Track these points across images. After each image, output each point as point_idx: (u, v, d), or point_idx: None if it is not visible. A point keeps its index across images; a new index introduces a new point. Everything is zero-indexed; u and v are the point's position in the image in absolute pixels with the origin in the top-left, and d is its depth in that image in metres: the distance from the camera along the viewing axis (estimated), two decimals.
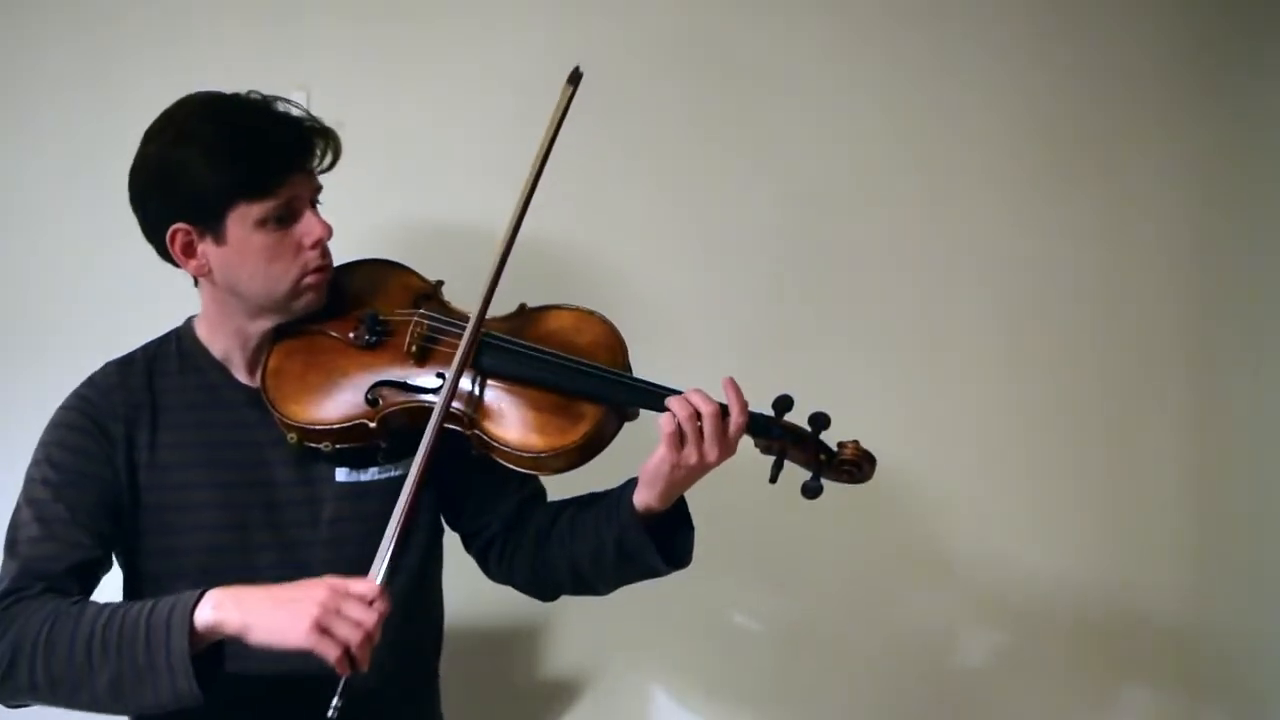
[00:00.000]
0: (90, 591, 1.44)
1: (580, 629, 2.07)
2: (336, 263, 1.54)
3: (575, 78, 1.55)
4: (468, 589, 1.70)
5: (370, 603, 1.30)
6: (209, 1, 1.97)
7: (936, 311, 2.22)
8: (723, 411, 1.43)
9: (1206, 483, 2.34)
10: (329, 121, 1.50)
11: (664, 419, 1.41)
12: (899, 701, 2.23)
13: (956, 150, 2.22)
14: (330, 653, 1.28)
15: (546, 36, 2.06)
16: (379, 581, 1.32)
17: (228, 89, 1.50)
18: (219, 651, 1.34)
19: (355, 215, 1.87)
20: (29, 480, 1.46)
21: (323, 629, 1.28)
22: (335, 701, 1.29)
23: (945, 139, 2.21)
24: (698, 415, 1.41)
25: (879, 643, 2.21)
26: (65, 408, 1.49)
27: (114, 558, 1.50)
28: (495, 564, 1.64)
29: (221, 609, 1.30)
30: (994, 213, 2.24)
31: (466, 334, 1.45)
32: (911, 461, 2.18)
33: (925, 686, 2.24)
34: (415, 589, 1.58)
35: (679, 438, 1.41)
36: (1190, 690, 2.34)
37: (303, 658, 1.29)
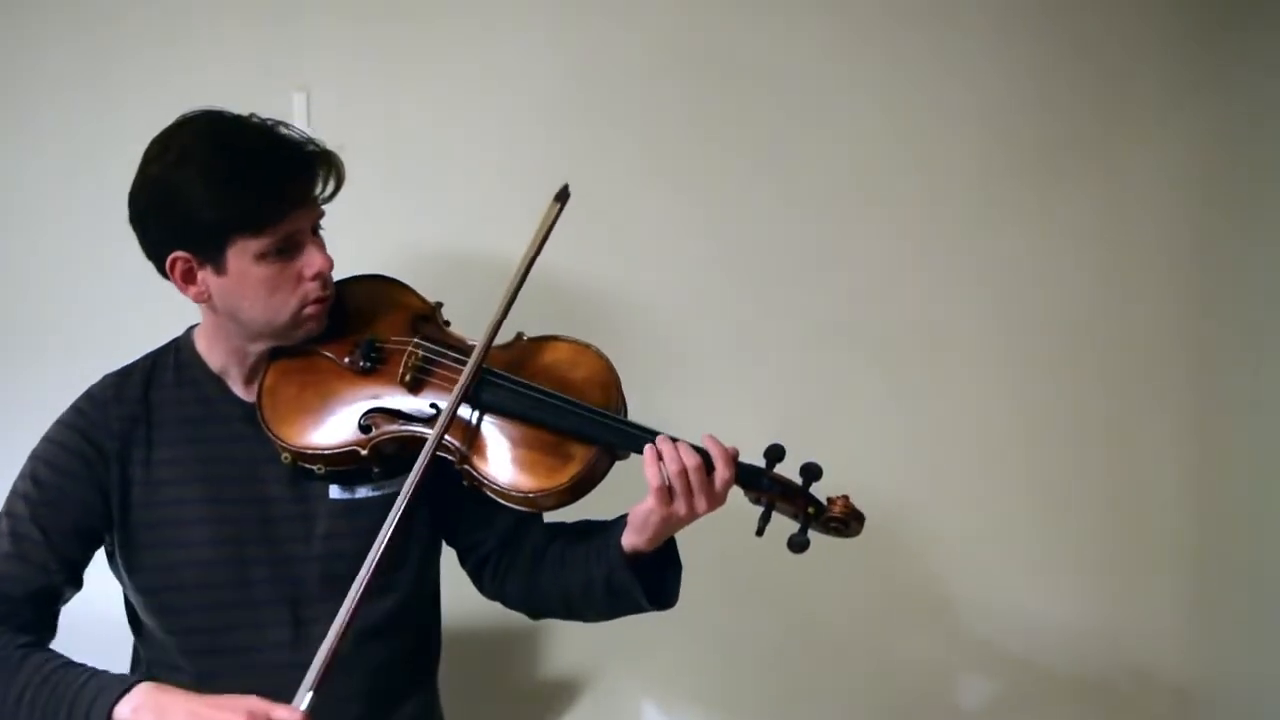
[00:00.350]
0: (47, 618, 1.47)
1: (578, 634, 2.06)
2: (338, 275, 1.54)
3: (563, 196, 1.54)
4: (467, 593, 1.70)
5: None
6: (209, 1, 1.97)
7: (935, 311, 2.22)
8: (707, 465, 1.43)
9: (1206, 486, 2.33)
10: (330, 143, 1.49)
11: (649, 473, 1.41)
12: (894, 703, 2.23)
13: (955, 151, 2.21)
14: None
15: (547, 36, 2.06)
16: (304, 708, 1.31)
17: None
18: None
19: (355, 217, 1.87)
20: (13, 491, 1.49)
21: None
22: None
23: (944, 140, 2.21)
24: (684, 471, 1.41)
25: (876, 645, 2.22)
26: (60, 423, 1.50)
27: (82, 581, 1.51)
28: (489, 581, 1.65)
29: (139, 713, 1.32)
30: (993, 213, 2.23)
31: (460, 381, 1.46)
32: (909, 462, 2.19)
33: (921, 694, 2.24)
34: (411, 600, 1.58)
35: (667, 492, 1.41)
36: (1188, 699, 2.34)
37: None
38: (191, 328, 1.57)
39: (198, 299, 1.47)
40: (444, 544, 1.67)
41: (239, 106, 1.47)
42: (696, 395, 2.07)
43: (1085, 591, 2.29)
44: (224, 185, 1.38)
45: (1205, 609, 2.33)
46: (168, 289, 1.57)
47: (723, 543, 1.74)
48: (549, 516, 1.56)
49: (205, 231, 1.40)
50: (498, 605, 1.68)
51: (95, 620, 1.54)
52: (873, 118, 2.18)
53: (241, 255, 1.41)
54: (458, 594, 1.69)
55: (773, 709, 2.19)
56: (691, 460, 1.42)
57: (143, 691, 1.34)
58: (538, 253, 1.52)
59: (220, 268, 1.43)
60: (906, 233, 2.21)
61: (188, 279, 1.45)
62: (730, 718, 2.18)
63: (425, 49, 2.03)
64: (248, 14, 1.97)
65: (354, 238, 1.71)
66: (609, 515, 1.54)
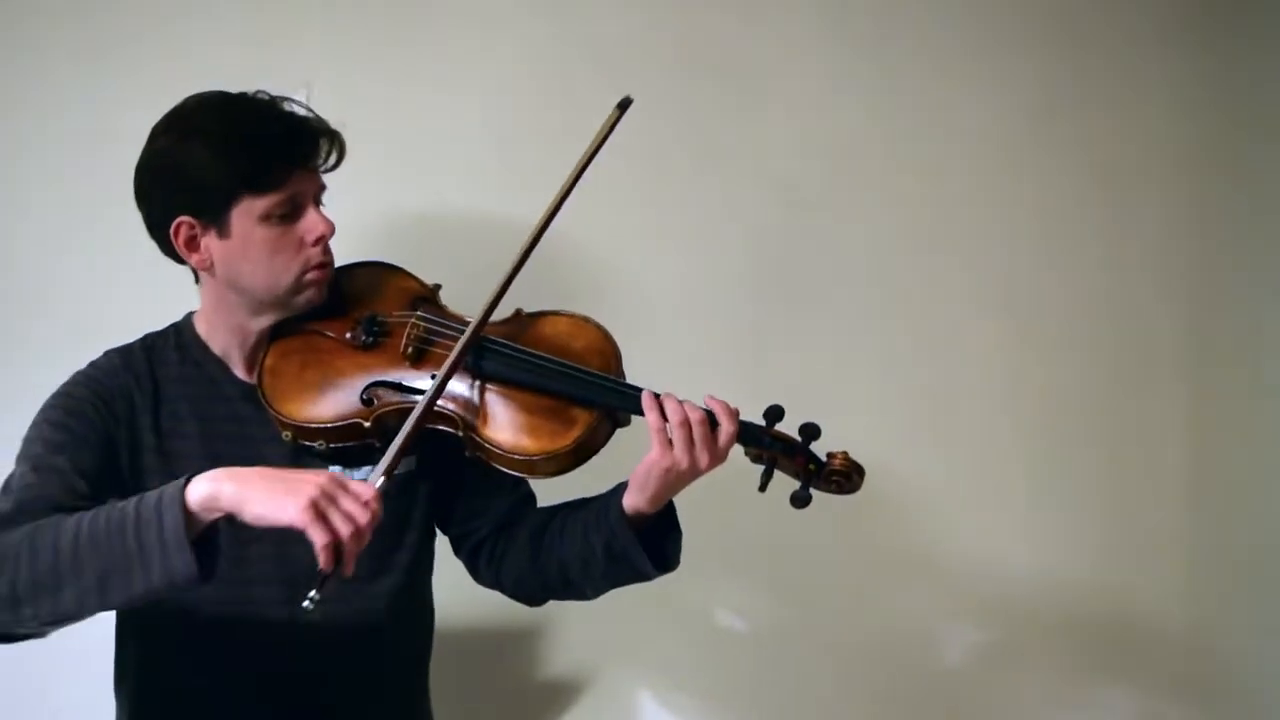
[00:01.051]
0: None
1: (574, 632, 2.07)
2: (336, 264, 1.55)
3: (625, 104, 1.57)
4: (461, 591, 1.70)
5: (365, 503, 1.28)
6: (210, 1, 1.98)
7: (934, 301, 2.24)
8: (710, 420, 1.44)
9: (1205, 481, 2.34)
10: (332, 122, 1.52)
11: (651, 418, 1.43)
12: (890, 706, 2.23)
13: (953, 145, 2.24)
14: (320, 538, 1.24)
15: (547, 31, 2.08)
16: (377, 487, 1.31)
17: (229, 88, 1.51)
18: (214, 542, 1.29)
19: (356, 212, 1.88)
20: (26, 441, 1.43)
21: (317, 511, 1.24)
22: (312, 594, 1.25)
23: (942, 135, 2.23)
24: (687, 421, 1.42)
25: (871, 647, 2.21)
26: (68, 383, 1.49)
27: None
28: (485, 567, 1.64)
29: (216, 481, 1.25)
30: (992, 207, 2.25)
31: (465, 335, 1.46)
32: (905, 460, 2.19)
33: (915, 689, 2.24)
34: (406, 586, 1.58)
35: (669, 441, 1.42)
36: (1184, 693, 2.34)
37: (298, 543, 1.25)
38: (190, 314, 1.57)
39: (200, 266, 1.48)
40: (440, 547, 1.66)
41: None
42: (695, 391, 2.07)
43: (1079, 592, 2.29)
44: (229, 147, 1.41)
45: (1200, 611, 2.34)
46: (162, 281, 1.59)
47: (716, 544, 1.76)
48: (550, 484, 1.56)
49: (210, 192, 1.42)
50: (494, 603, 1.68)
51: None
52: (872, 113, 2.21)
53: (245, 216, 1.43)
54: (453, 595, 1.69)
55: (763, 713, 2.19)
56: (695, 414, 1.43)
57: (211, 473, 1.26)
58: (593, 156, 1.53)
59: (224, 230, 1.44)
60: (900, 233, 2.22)
61: (191, 245, 1.46)
62: (727, 713, 2.18)
63: (426, 46, 2.06)
64: (248, 12, 1.99)
65: (355, 229, 1.73)
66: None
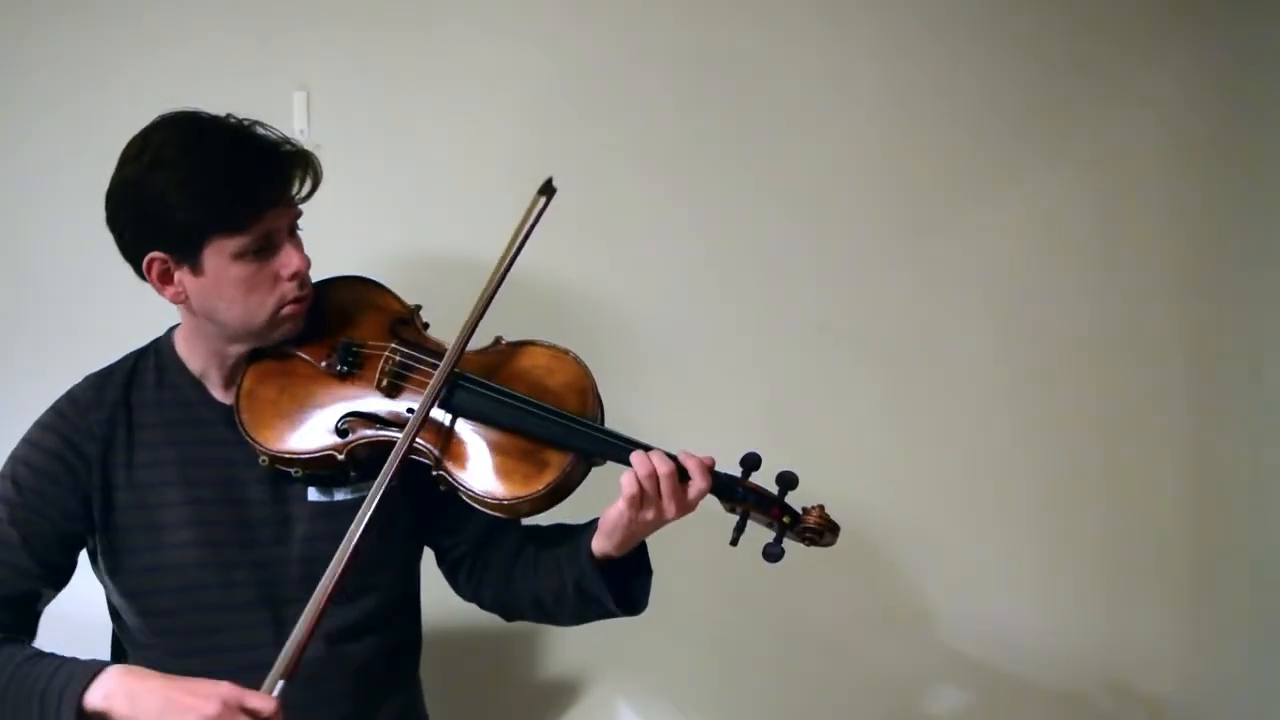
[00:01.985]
0: (25, 619, 1.47)
1: (568, 637, 2.06)
2: (328, 274, 1.55)
3: (548, 189, 1.52)
4: (455, 595, 1.70)
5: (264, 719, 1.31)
6: (209, 1, 1.98)
7: (927, 317, 2.20)
8: (681, 474, 1.43)
9: (1205, 493, 2.31)
10: (308, 143, 1.50)
11: (625, 478, 1.41)
12: (886, 711, 2.24)
13: (948, 153, 2.20)
14: None
15: (545, 38, 2.06)
16: (276, 694, 1.32)
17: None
18: None
19: (353, 216, 1.89)
20: None
21: None
22: None
23: (937, 142, 2.19)
24: (654, 474, 1.41)
25: (866, 653, 2.20)
26: (40, 425, 1.50)
27: (62, 583, 1.50)
28: (464, 583, 1.65)
29: (111, 700, 1.32)
30: (986, 215, 2.22)
31: (434, 379, 1.46)
32: (898, 467, 2.18)
33: (912, 703, 2.23)
34: (396, 597, 1.59)
35: (639, 498, 1.41)
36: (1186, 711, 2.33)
37: None
38: (172, 328, 1.57)
39: (175, 300, 1.46)
40: (426, 560, 1.67)
41: (238, 106, 1.48)
42: (681, 399, 2.07)
43: (1081, 601, 2.27)
44: (198, 186, 1.38)
45: (1203, 618, 2.31)
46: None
47: (712, 545, 1.75)
48: (526, 520, 1.56)
49: (181, 232, 1.40)
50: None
51: (82, 618, 1.56)
52: (864, 120, 2.17)
53: (218, 255, 1.41)
54: (449, 595, 1.69)
55: (762, 713, 2.19)
56: (664, 467, 1.42)
57: (113, 677, 1.34)
58: (519, 248, 1.50)
59: (197, 268, 1.42)
60: (897, 236, 2.19)
61: (164, 280, 1.44)
62: (722, 715, 2.18)
63: (424, 49, 2.04)
64: (247, 14, 1.98)
65: (351, 239, 1.72)
66: (587, 517, 1.54)
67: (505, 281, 1.51)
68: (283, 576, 1.50)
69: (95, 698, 1.32)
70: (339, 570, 1.36)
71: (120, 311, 1.79)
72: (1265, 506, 2.30)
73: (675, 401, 2.06)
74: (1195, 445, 2.31)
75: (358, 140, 2.00)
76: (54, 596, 1.50)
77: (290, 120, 1.96)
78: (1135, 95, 2.27)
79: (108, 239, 1.80)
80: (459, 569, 1.64)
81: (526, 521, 1.57)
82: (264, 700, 1.31)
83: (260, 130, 1.45)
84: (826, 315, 2.18)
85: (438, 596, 1.69)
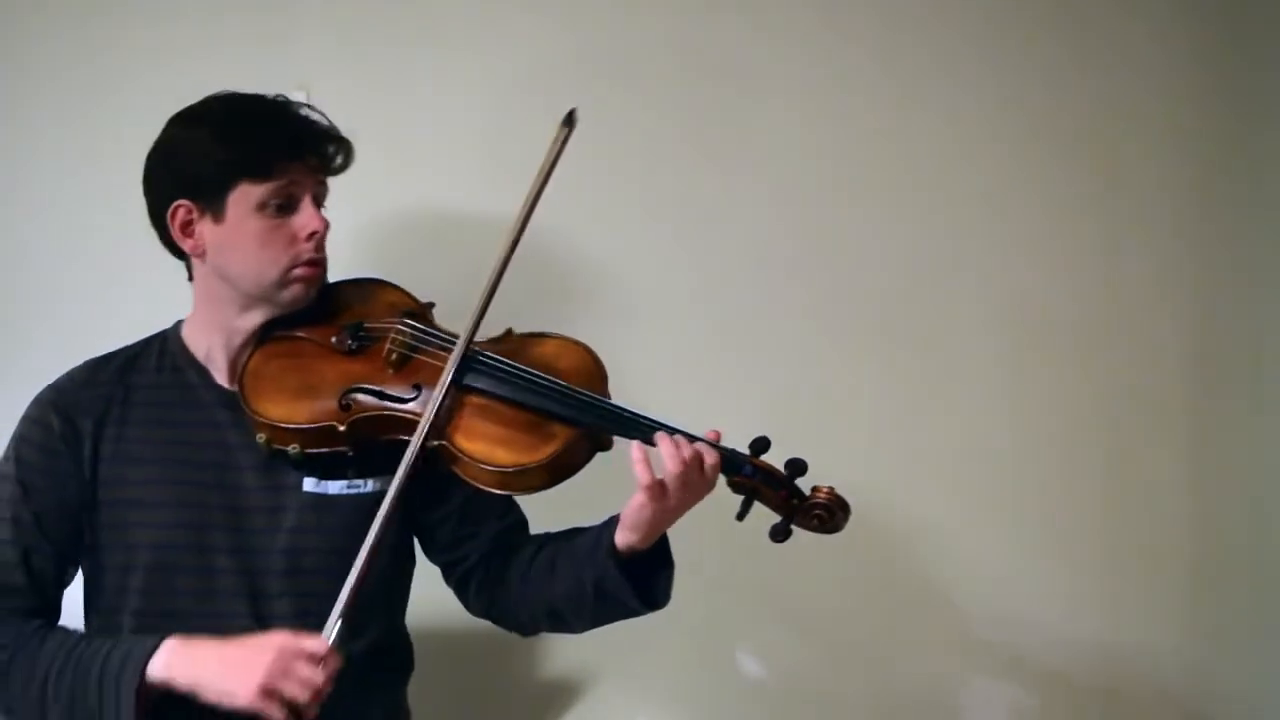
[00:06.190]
0: (52, 600, 1.49)
1: (568, 639, 2.07)
2: (332, 279, 1.56)
3: (570, 121, 1.55)
4: (452, 597, 1.70)
5: (319, 661, 1.33)
6: (209, 1, 1.99)
7: (931, 313, 2.22)
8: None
9: (1206, 491, 2.32)
10: (343, 130, 1.53)
11: (638, 470, 1.39)
12: (892, 707, 2.24)
13: (952, 150, 2.21)
14: (275, 714, 1.33)
15: (547, 34, 2.07)
16: (331, 639, 1.34)
17: (228, 86, 1.52)
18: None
19: (354, 214, 1.88)
20: (1, 474, 1.49)
21: (268, 692, 1.33)
22: None
23: (941, 139, 2.21)
24: (680, 457, 1.41)
25: (873, 652, 2.21)
26: (39, 401, 1.52)
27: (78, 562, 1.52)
28: (475, 597, 1.64)
29: (172, 669, 1.36)
30: (989, 214, 2.23)
31: (454, 353, 1.47)
32: (904, 461, 2.19)
33: (919, 698, 2.24)
34: (383, 594, 1.58)
35: (659, 487, 1.40)
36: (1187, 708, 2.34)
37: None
38: (179, 321, 1.58)
39: (193, 251, 1.49)
40: (425, 560, 1.67)
41: None
42: (687, 393, 2.04)
43: (1083, 596, 2.28)
44: (232, 131, 1.44)
45: (1204, 614, 2.32)
46: (160, 282, 1.60)
47: (714, 546, 1.75)
48: (539, 504, 1.55)
49: (209, 174, 1.44)
50: None
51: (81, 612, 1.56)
52: (870, 117, 2.18)
53: (241, 202, 1.45)
54: (449, 596, 1.69)
55: (762, 713, 2.19)
56: (688, 451, 1.41)
57: (170, 648, 1.37)
58: (545, 180, 1.52)
59: (219, 215, 1.45)
60: (901, 233, 2.20)
61: (186, 231, 1.47)
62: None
63: (425, 48, 2.05)
64: (247, 13, 1.99)
65: (352, 237, 1.73)
66: (586, 518, 1.55)
67: (507, 275, 1.51)
68: (265, 567, 1.49)
69: (156, 668, 1.36)
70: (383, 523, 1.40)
71: (123, 312, 1.79)
72: (1265, 504, 2.31)
73: (680, 396, 2.03)
74: (1196, 442, 2.32)
75: (358, 140, 1.98)
76: (74, 576, 1.51)
77: None
78: (1136, 95, 2.28)
79: (112, 241, 1.81)
80: (469, 582, 1.63)
81: (536, 529, 1.58)
82: (318, 643, 1.35)
83: (305, 109, 1.51)
84: (831, 313, 2.19)
85: (438, 596, 1.69)
